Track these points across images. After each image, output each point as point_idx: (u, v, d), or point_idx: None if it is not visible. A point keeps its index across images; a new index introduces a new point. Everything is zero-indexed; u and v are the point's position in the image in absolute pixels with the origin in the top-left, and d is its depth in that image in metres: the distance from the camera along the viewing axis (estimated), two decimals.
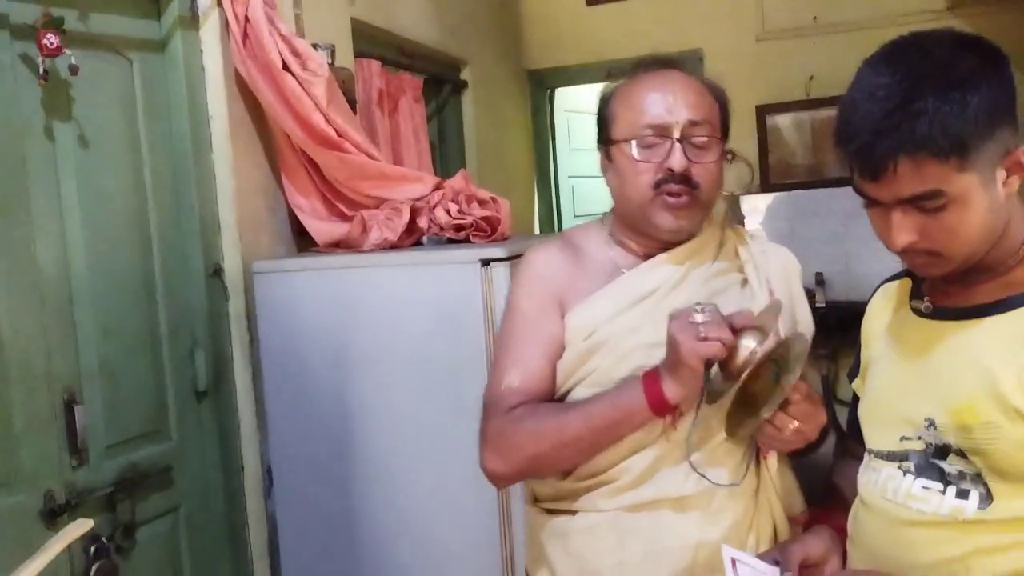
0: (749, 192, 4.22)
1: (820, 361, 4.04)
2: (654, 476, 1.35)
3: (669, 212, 1.36)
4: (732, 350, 1.21)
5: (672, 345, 1.22)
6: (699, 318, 1.20)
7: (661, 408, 1.27)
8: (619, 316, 1.37)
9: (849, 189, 1.14)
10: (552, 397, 1.40)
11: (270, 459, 2.36)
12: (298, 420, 2.30)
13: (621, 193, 1.40)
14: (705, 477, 1.33)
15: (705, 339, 1.19)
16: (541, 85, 4.83)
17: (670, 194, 1.35)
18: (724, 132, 1.41)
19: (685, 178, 1.34)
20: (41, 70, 1.82)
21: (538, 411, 1.35)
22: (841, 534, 1.28)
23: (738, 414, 1.29)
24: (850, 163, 1.09)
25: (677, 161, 1.34)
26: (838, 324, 3.95)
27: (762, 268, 1.46)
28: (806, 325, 1.50)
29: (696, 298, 1.36)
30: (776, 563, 1.18)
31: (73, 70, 1.87)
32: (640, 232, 1.42)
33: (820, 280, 4.05)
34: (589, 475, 1.38)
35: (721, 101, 1.42)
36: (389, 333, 2.19)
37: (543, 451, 1.33)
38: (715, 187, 1.39)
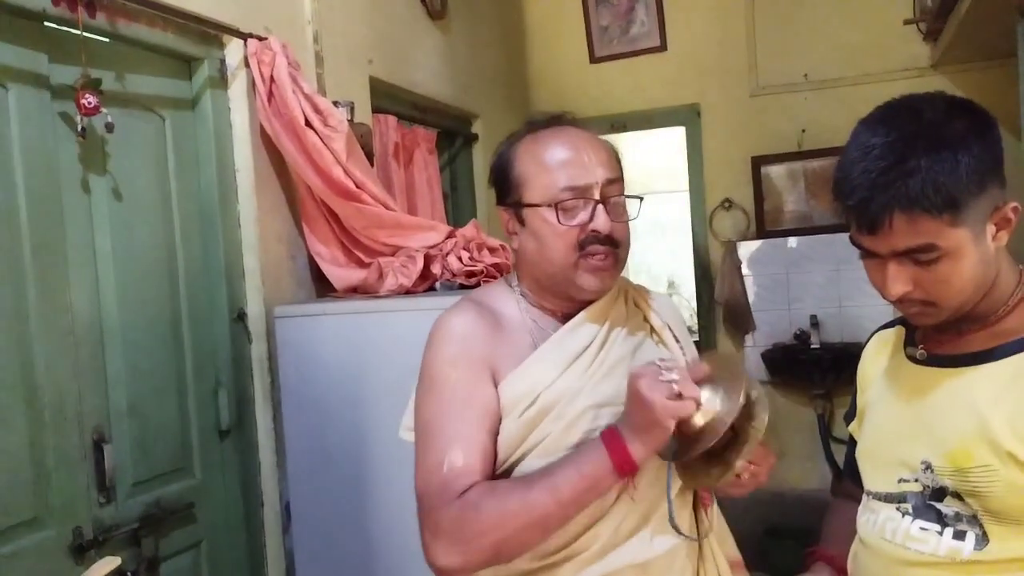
0: (745, 238, 4.22)
1: (816, 400, 4.01)
2: (620, 541, 1.26)
3: (594, 274, 1.28)
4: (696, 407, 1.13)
5: (641, 405, 1.11)
6: (671, 375, 1.11)
7: (628, 471, 1.15)
8: (560, 377, 1.27)
9: (841, 235, 1.15)
10: (494, 474, 1.25)
11: (288, 495, 2.35)
12: (316, 457, 2.29)
13: (539, 256, 1.30)
14: (683, 533, 1.27)
15: (679, 397, 1.11)
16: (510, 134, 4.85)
17: (594, 255, 1.27)
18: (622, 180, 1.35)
19: (609, 238, 1.27)
20: (79, 128, 1.85)
21: (496, 491, 1.18)
22: (841, 573, 1.27)
23: (695, 464, 1.21)
24: (847, 217, 1.10)
25: (602, 223, 1.26)
26: (832, 364, 3.98)
27: (663, 317, 1.42)
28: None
29: (627, 352, 1.32)
30: None
31: (109, 127, 1.90)
32: (557, 293, 1.32)
33: (815, 322, 4.05)
34: (553, 550, 1.25)
35: (617, 156, 1.36)
36: (404, 373, 2.16)
37: (509, 535, 1.15)
38: (629, 243, 1.32)
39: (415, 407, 1.31)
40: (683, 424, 1.13)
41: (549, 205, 1.27)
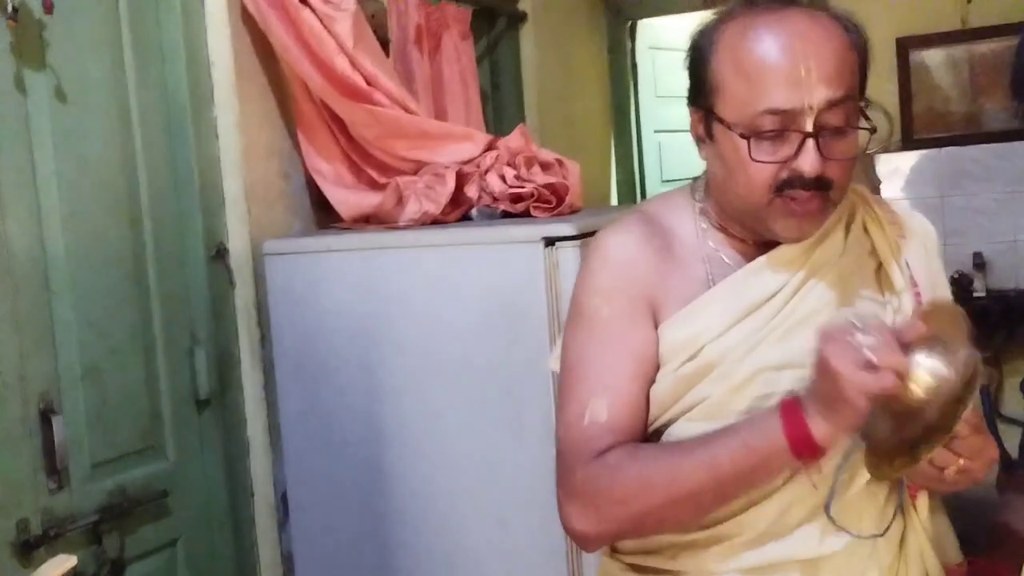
0: (887, 149, 4.14)
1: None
2: (783, 532, 1.30)
3: (793, 220, 1.28)
4: (905, 380, 1.13)
5: (828, 376, 1.13)
6: (864, 339, 1.12)
7: (807, 453, 1.18)
8: (732, 329, 1.31)
9: (1020, 144, 1.12)
10: (646, 433, 1.34)
11: (285, 483, 2.42)
12: (319, 436, 2.35)
13: (725, 185, 1.33)
14: (847, 531, 1.30)
15: (875, 368, 1.11)
16: (620, 15, 4.80)
17: (795, 200, 1.26)
18: (862, 91, 1.32)
19: (817, 181, 1.25)
20: (9, 8, 1.87)
21: (641, 455, 1.27)
22: None
23: (885, 448, 1.23)
24: None
25: (809, 163, 1.24)
26: (1002, 318, 3.92)
27: (899, 249, 1.41)
28: None
29: (827, 302, 1.32)
30: None
31: (47, 6, 1.92)
32: (746, 226, 1.36)
33: (979, 262, 3.98)
34: (698, 527, 1.32)
35: (860, 48, 1.31)
36: (430, 330, 2.21)
37: (652, 507, 1.24)
38: (849, 179, 1.31)
39: (563, 342, 1.40)
40: (893, 398, 1.14)
41: (742, 134, 1.26)
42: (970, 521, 1.55)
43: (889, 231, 1.42)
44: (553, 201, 2.40)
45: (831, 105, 1.24)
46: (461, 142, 2.50)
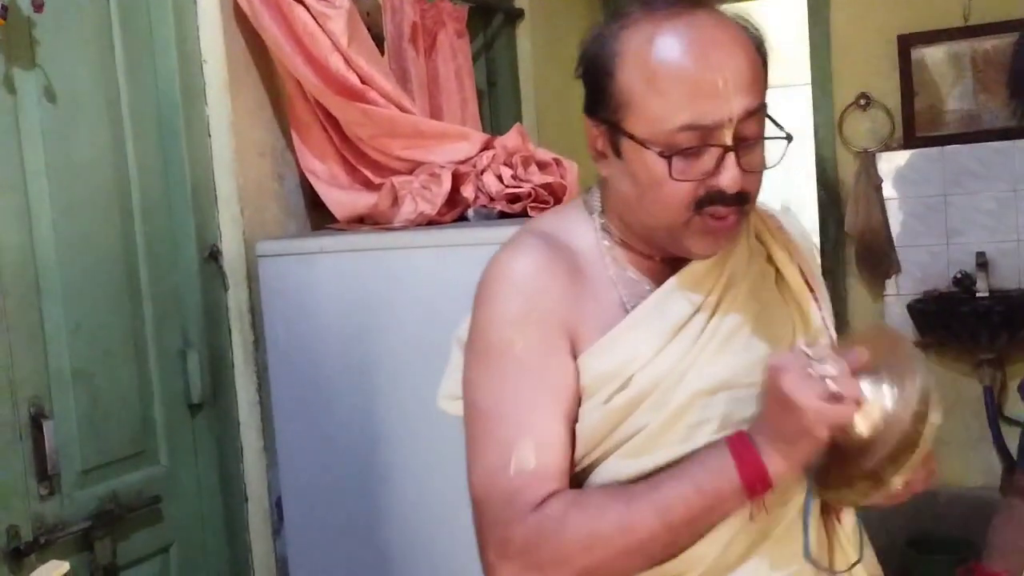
0: (888, 148, 4.14)
1: (982, 368, 3.97)
2: (728, 567, 1.25)
3: (709, 237, 1.23)
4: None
5: (786, 408, 1.10)
6: (825, 368, 1.10)
7: (760, 490, 1.14)
8: (660, 354, 1.24)
9: (1022, 143, 1.12)
10: (571, 475, 1.25)
11: (280, 488, 2.41)
12: (313, 440, 2.34)
13: (635, 205, 1.26)
14: (829, 571, 1.29)
15: (838, 399, 1.09)
16: (618, 12, 4.79)
17: (714, 216, 1.22)
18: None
19: (736, 196, 1.21)
20: None
21: (586, 505, 1.18)
22: None
23: (837, 477, 1.22)
24: None
25: (730, 179, 1.19)
26: (1006, 319, 3.92)
27: (790, 253, 1.38)
28: (830, 319, 1.42)
29: (748, 316, 1.29)
30: None
31: (37, 5, 1.92)
32: (655, 244, 1.30)
33: (982, 262, 3.97)
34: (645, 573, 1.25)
35: (763, 50, 1.27)
36: (426, 332, 2.21)
37: (601, 562, 1.16)
38: (759, 193, 1.27)
39: (466, 381, 1.29)
40: (840, 433, 1.13)
41: (660, 151, 1.19)
42: (972, 524, 1.55)
43: (778, 236, 1.39)
44: (551, 201, 2.40)
45: (748, 115, 1.20)
46: (457, 141, 2.50)
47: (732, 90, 1.18)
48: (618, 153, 1.25)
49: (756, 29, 1.27)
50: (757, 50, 1.25)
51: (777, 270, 1.37)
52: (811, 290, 1.38)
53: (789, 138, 1.25)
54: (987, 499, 1.53)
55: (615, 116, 1.23)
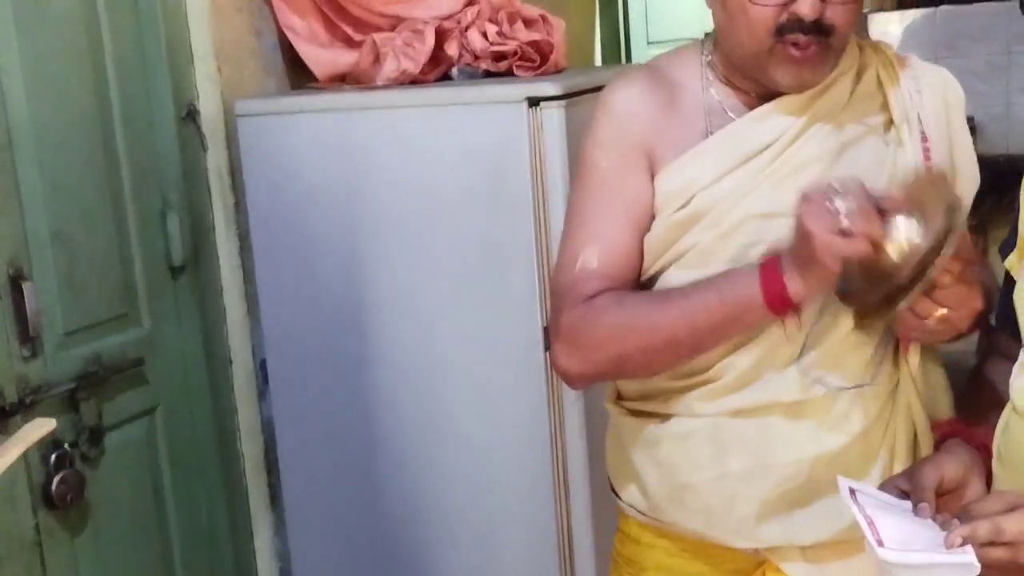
0: (881, 8, 4.08)
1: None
2: (762, 376, 1.38)
3: (792, 66, 1.33)
4: (879, 244, 1.19)
5: (803, 237, 1.21)
6: (841, 204, 1.18)
7: (781, 308, 1.28)
8: (724, 178, 1.37)
9: (1014, 2, 1.10)
10: (638, 280, 1.43)
11: (264, 350, 2.43)
12: (298, 301, 2.35)
13: (728, 32, 1.38)
14: (820, 383, 1.37)
15: (847, 234, 1.17)
16: None
17: (795, 45, 1.31)
18: None
19: (816, 25, 1.30)
20: None
21: (625, 302, 1.38)
22: (984, 451, 1.29)
23: (863, 302, 1.30)
24: None
25: (808, 5, 1.28)
26: (991, 184, 3.86)
27: (913, 102, 1.43)
28: (970, 177, 1.51)
29: (824, 151, 1.36)
30: (905, 494, 1.19)
31: None
32: (750, 76, 1.40)
33: (971, 127, 3.94)
34: (683, 374, 1.42)
35: None
36: (410, 193, 2.20)
37: (630, 352, 1.37)
38: (852, 27, 1.35)
39: (569, 193, 1.52)
40: (868, 260, 1.20)
41: None
42: (955, 386, 1.58)
43: (905, 85, 1.44)
44: (537, 60, 2.36)
45: None
46: None
47: None
48: None
49: None
50: None
51: (890, 118, 1.42)
52: (924, 138, 1.42)
53: None
54: (966, 363, 1.56)
55: None
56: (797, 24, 1.29)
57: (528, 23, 2.41)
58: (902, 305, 1.23)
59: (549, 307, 1.49)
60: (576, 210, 1.45)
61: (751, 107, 1.41)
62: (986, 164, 4.19)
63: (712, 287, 1.32)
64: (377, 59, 2.37)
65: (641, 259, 1.42)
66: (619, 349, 1.37)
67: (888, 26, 4.07)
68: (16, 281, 1.94)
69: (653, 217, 1.41)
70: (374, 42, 2.37)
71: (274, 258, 2.35)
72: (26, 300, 1.94)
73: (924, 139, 1.41)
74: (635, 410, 1.50)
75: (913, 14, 4.05)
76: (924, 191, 1.23)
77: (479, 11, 2.40)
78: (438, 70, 2.40)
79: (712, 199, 1.37)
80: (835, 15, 1.30)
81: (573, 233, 1.44)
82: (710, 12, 1.42)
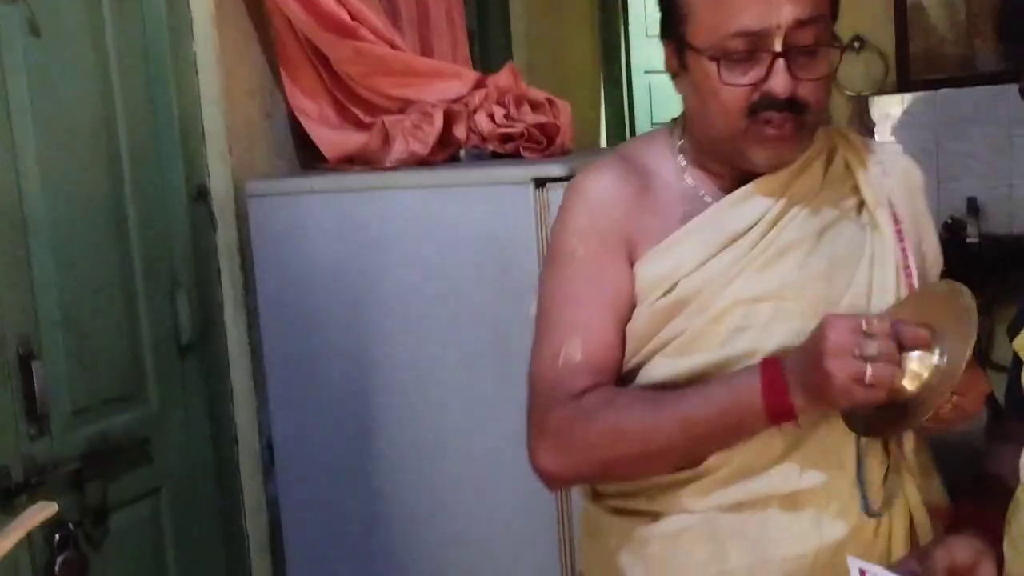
0: (882, 91, 4.13)
1: None
2: (757, 468, 1.33)
3: (769, 145, 1.31)
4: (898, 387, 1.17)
5: (820, 371, 1.15)
6: (870, 348, 1.13)
7: (783, 420, 1.23)
8: (708, 262, 1.34)
9: (1015, 87, 1.12)
10: (620, 371, 1.37)
11: (271, 430, 2.42)
12: (305, 382, 2.35)
13: (700, 115, 1.36)
14: (817, 470, 1.33)
15: (870, 385, 1.13)
16: None
17: (769, 123, 1.29)
18: (834, 17, 1.34)
19: (790, 102, 1.27)
20: None
21: (618, 404, 1.31)
22: (994, 535, 1.28)
23: (869, 420, 1.26)
24: (1020, 64, 1.06)
25: (781, 84, 1.26)
26: (996, 264, 3.93)
27: (883, 186, 1.42)
28: (935, 262, 1.49)
29: (806, 234, 1.34)
30: (914, 574, 1.18)
31: None
32: (724, 160, 1.38)
33: (973, 207, 3.98)
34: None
35: None
36: (418, 272, 2.21)
37: (622, 457, 1.31)
38: (825, 104, 1.34)
39: (539, 284, 1.44)
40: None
41: (711, 56, 1.28)
42: (957, 467, 1.57)
43: (872, 168, 1.43)
44: (543, 142, 2.39)
45: (800, 24, 1.26)
46: (449, 80, 2.48)
47: None
48: (685, 67, 1.35)
49: None
50: None
51: (861, 201, 1.41)
52: (896, 222, 1.41)
53: (841, 49, 1.36)
54: (974, 446, 1.55)
55: (680, 30, 1.33)
56: (770, 102, 1.27)
57: (534, 106, 2.44)
58: (923, 416, 1.19)
59: (528, 402, 1.38)
60: (553, 301, 1.39)
61: (727, 191, 1.39)
62: (990, 245, 4.24)
63: (711, 395, 1.26)
64: (387, 141, 2.40)
65: (624, 350, 1.37)
66: (610, 454, 1.30)
67: (889, 108, 4.11)
68: (26, 360, 1.94)
69: (634, 306, 1.36)
70: (384, 124, 2.42)
71: (282, 337, 2.35)
72: (35, 379, 1.94)
73: (896, 222, 1.40)
74: (617, 508, 1.43)
75: (913, 97, 4.10)
76: (936, 309, 1.21)
77: (487, 94, 2.44)
78: (446, 151, 2.43)
79: (697, 284, 1.33)
80: (807, 91, 1.28)
81: (552, 325, 1.38)
82: (680, 96, 1.41)
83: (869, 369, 1.12)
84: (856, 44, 4.15)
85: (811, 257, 1.34)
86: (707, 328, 1.32)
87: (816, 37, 1.28)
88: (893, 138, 4.12)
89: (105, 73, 2.15)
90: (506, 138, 2.39)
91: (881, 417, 1.24)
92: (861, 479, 1.33)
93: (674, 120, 1.48)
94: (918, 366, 1.16)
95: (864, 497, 1.33)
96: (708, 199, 1.39)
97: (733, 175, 1.38)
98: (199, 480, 2.37)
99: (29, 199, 1.98)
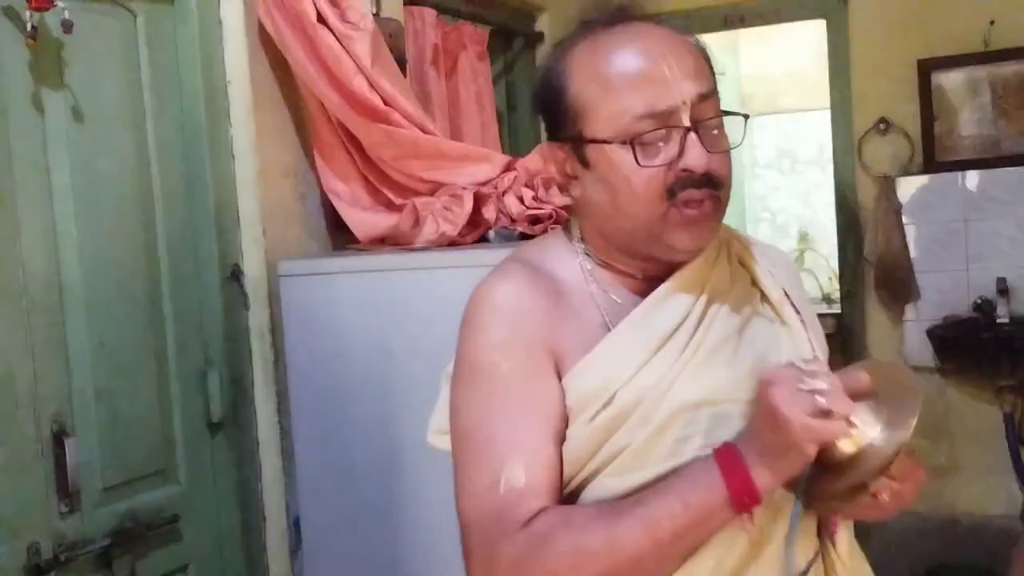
0: (908, 173, 4.14)
1: (1003, 395, 3.94)
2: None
3: (692, 227, 1.25)
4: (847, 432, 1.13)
5: (775, 421, 1.10)
6: (817, 383, 1.10)
7: (749, 504, 1.15)
8: (644, 369, 1.25)
9: None
10: (561, 496, 1.26)
11: (298, 509, 2.42)
12: (332, 461, 2.35)
13: (612, 210, 1.28)
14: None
15: (827, 414, 1.09)
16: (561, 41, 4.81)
17: (688, 204, 1.24)
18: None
19: (707, 178, 1.24)
20: (29, 27, 1.90)
21: (573, 521, 1.18)
22: None
23: (814, 491, 1.23)
24: None
25: (696, 157, 1.23)
26: None
27: (775, 279, 1.40)
28: (824, 346, 1.44)
29: (732, 330, 1.31)
30: None
31: (66, 26, 1.95)
32: (636, 254, 1.31)
33: (1003, 288, 3.96)
34: None
35: (707, 56, 1.32)
36: (447, 353, 2.19)
37: None
38: (731, 178, 1.30)
39: (453, 407, 1.31)
40: (825, 448, 1.14)
41: (623, 141, 1.24)
42: (993, 552, 1.54)
43: (762, 263, 1.41)
44: None
45: (702, 99, 1.25)
46: (479, 163, 2.51)
47: (680, 75, 1.24)
48: (586, 164, 1.29)
49: (691, 35, 1.33)
50: (697, 47, 1.32)
51: (763, 294, 1.39)
52: (797, 313, 1.39)
53: (746, 116, 1.31)
54: (1007, 528, 1.52)
55: (575, 128, 1.29)
56: (688, 180, 1.24)
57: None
58: (873, 483, 1.17)
59: (464, 542, 1.24)
60: (480, 424, 1.25)
61: (639, 292, 1.32)
62: (1020, 325, 4.18)
63: (670, 491, 1.16)
64: (417, 222, 2.43)
65: (561, 472, 1.25)
66: None
67: (916, 188, 4.12)
68: (59, 437, 1.97)
69: (567, 422, 1.25)
70: (414, 206, 2.45)
71: (311, 416, 2.36)
72: (67, 456, 1.97)
73: (796, 312, 1.38)
74: None
75: (939, 177, 4.10)
76: (882, 380, 1.18)
77: (516, 177, 2.47)
78: (476, 232, 2.45)
79: (638, 394, 1.24)
80: (719, 165, 1.26)
81: (483, 450, 1.23)
82: (576, 200, 1.34)
83: (820, 398, 1.09)
84: (882, 126, 4.17)
85: (738, 356, 1.30)
86: (652, 440, 1.24)
87: (716, 110, 1.27)
88: (920, 219, 4.13)
89: (144, 156, 2.21)
90: (534, 219, 2.41)
91: (817, 480, 1.21)
92: (791, 536, 1.26)
93: (565, 224, 1.42)
94: (862, 420, 1.13)
95: (792, 562, 1.26)
96: (621, 302, 1.31)
97: (644, 272, 1.32)
98: (227, 558, 2.37)
99: (67, 278, 2.02)
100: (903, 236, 4.11)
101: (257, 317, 2.40)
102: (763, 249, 1.45)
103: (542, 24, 3.93)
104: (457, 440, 1.29)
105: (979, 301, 4.02)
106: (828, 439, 1.11)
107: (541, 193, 2.45)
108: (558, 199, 2.44)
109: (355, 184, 2.55)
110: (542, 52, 3.93)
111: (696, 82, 1.25)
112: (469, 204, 2.41)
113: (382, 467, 2.29)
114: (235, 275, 2.37)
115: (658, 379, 1.25)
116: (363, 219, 2.53)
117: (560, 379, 1.27)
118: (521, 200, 2.44)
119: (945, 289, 4.10)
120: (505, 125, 3.75)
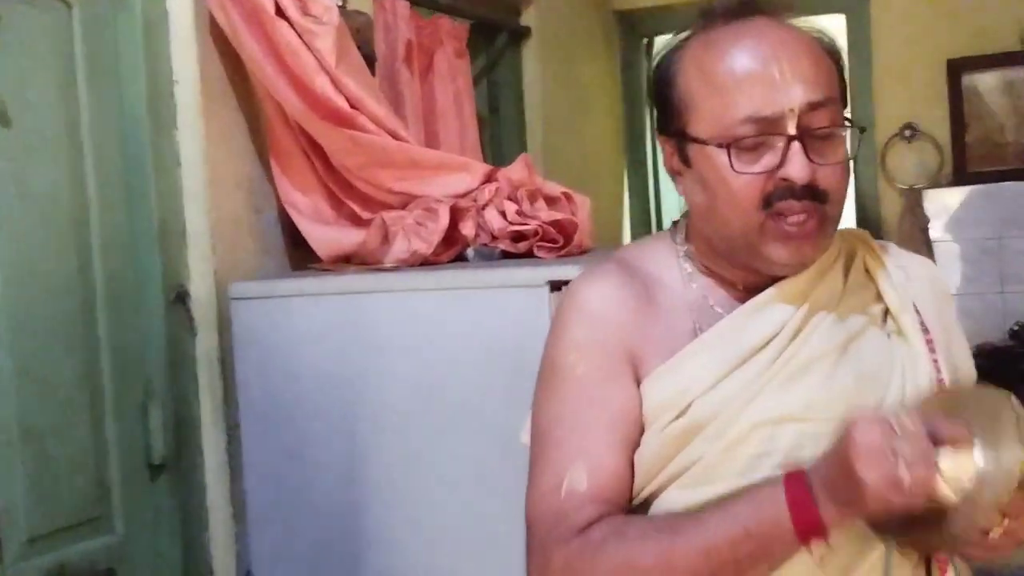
0: (937, 184, 4.16)
1: None
2: None
3: (788, 243, 1.31)
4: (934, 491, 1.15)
5: (849, 473, 1.14)
6: (903, 448, 1.12)
7: (814, 539, 1.19)
8: (724, 381, 1.32)
9: None
10: (630, 502, 1.35)
11: (250, 561, 2.39)
12: (288, 505, 2.33)
13: (709, 212, 1.36)
14: None
15: (902, 483, 1.11)
16: (635, 32, 4.84)
17: (788, 215, 1.29)
18: (843, 103, 1.37)
19: (809, 190, 1.29)
20: None
21: (628, 534, 1.27)
22: None
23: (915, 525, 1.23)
24: None
25: (798, 169, 1.28)
26: None
27: (907, 291, 1.43)
28: (967, 374, 1.46)
29: (831, 346, 1.34)
30: None
31: None
32: (737, 262, 1.38)
33: None
34: None
35: (834, 54, 1.38)
36: (419, 384, 2.21)
37: None
38: (844, 194, 1.34)
39: (533, 404, 1.42)
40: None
41: (720, 144, 1.30)
42: None
43: (895, 274, 1.44)
44: (559, 240, 2.41)
45: (813, 108, 1.29)
46: (456, 173, 2.51)
47: (791, 80, 1.28)
48: (688, 162, 1.37)
49: (824, 34, 1.39)
50: (825, 51, 1.36)
51: (886, 308, 1.42)
52: (924, 331, 1.41)
53: (862, 130, 1.38)
54: None
55: (680, 123, 1.36)
56: (788, 191, 1.28)
57: (550, 201, 2.47)
58: (979, 520, 1.17)
59: (527, 541, 1.34)
60: (551, 425, 1.36)
61: (740, 299, 1.39)
62: None
63: (732, 517, 1.22)
64: (386, 239, 2.42)
65: (632, 478, 1.34)
66: None
67: (946, 201, 4.13)
68: None
69: (642, 429, 1.35)
70: (383, 221, 2.43)
71: (265, 456, 2.35)
72: None
73: (925, 331, 1.41)
74: None
75: (972, 190, 4.12)
76: (981, 411, 1.19)
77: (497, 189, 2.47)
78: (452, 251, 2.45)
79: (713, 406, 1.31)
80: (826, 178, 1.29)
81: (551, 452, 1.34)
82: (683, 196, 1.42)
83: (906, 473, 1.11)
84: (908, 133, 4.20)
85: (837, 372, 1.33)
86: (725, 455, 1.30)
87: (831, 120, 1.31)
88: (950, 235, 4.14)
89: (79, 166, 2.19)
90: (518, 236, 2.41)
91: (911, 529, 1.22)
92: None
93: (674, 224, 1.49)
94: (953, 468, 1.14)
95: None
96: (718, 309, 1.39)
97: (746, 282, 1.39)
98: None
99: None
100: (931, 255, 4.12)
101: (205, 344, 2.38)
102: (903, 260, 1.48)
103: (528, 18, 3.94)
104: (532, 438, 1.41)
105: (1016, 328, 4.04)
106: (899, 508, 1.14)
107: (526, 207, 2.45)
108: (544, 213, 2.44)
109: (316, 196, 2.53)
110: (529, 48, 3.94)
111: (809, 88, 1.29)
112: (445, 219, 2.40)
113: (344, 512, 2.28)
114: (180, 298, 2.35)
115: (738, 392, 1.32)
116: (325, 235, 2.51)
117: (639, 385, 1.35)
118: (503, 215, 2.44)
119: (978, 314, 4.11)
120: (487, 130, 3.75)
